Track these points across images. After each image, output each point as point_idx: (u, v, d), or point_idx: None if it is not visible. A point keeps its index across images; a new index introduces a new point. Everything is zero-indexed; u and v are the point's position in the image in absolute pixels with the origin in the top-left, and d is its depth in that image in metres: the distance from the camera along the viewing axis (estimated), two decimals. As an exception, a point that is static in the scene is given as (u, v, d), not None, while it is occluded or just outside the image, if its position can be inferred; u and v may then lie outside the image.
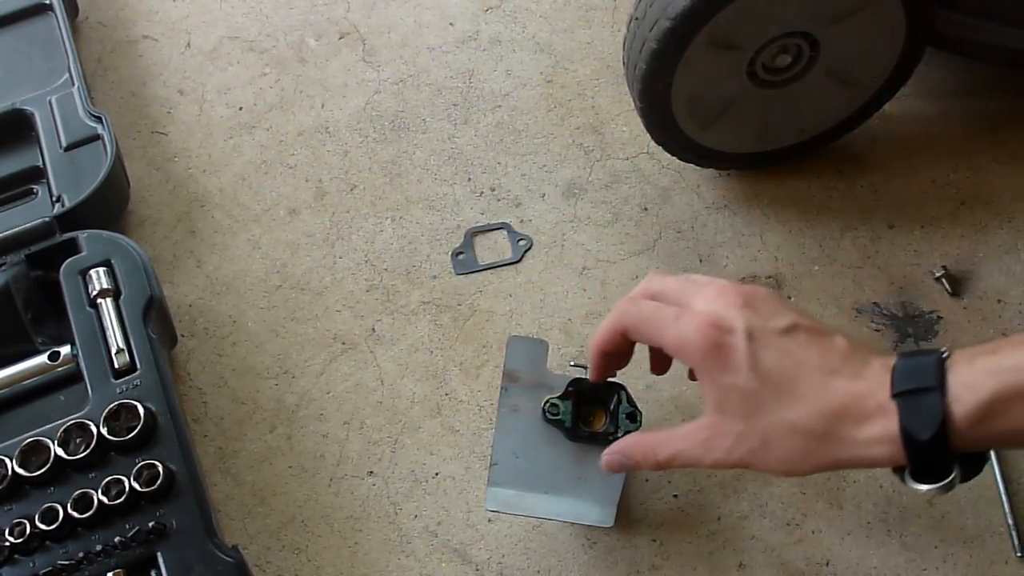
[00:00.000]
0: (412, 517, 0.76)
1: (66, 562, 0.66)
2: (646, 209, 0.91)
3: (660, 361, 0.67)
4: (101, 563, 0.66)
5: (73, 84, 0.95)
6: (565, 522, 0.72)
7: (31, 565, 0.66)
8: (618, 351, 0.63)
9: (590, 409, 0.71)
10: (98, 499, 0.67)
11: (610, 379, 0.69)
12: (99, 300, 0.77)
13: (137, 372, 0.73)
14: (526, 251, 0.89)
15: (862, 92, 0.85)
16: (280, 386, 0.83)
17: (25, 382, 0.77)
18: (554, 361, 0.79)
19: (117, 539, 0.66)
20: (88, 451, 0.69)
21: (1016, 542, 0.70)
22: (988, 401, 0.48)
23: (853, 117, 0.87)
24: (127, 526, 0.67)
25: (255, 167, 0.97)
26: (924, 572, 0.70)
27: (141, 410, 0.70)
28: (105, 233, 0.82)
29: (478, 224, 0.91)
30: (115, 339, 0.75)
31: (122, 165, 0.92)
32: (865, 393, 0.51)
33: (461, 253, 0.89)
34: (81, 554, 0.66)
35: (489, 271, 0.88)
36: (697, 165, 0.90)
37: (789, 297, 0.84)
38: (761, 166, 0.91)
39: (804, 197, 0.90)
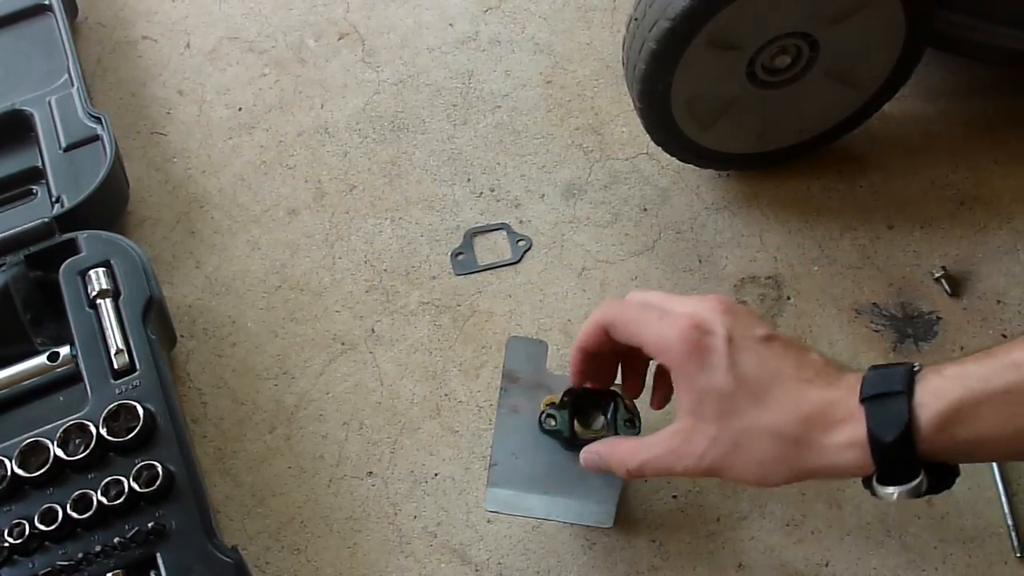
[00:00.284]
0: (411, 518, 0.76)
1: (65, 563, 0.66)
2: (645, 210, 0.91)
3: (634, 379, 0.68)
4: (100, 564, 0.66)
5: (72, 85, 0.95)
6: (564, 523, 0.72)
7: (30, 566, 0.66)
8: (598, 351, 0.63)
9: (589, 412, 0.71)
10: (97, 500, 0.67)
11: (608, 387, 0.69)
12: (98, 301, 0.77)
13: (136, 373, 0.73)
14: (525, 252, 0.89)
15: (862, 92, 0.85)
16: (279, 387, 0.83)
17: (24, 383, 0.76)
18: (554, 362, 0.79)
19: (116, 540, 0.66)
20: (87, 452, 0.69)
21: (1015, 543, 0.70)
22: (953, 407, 0.49)
23: (853, 117, 0.87)
24: (126, 527, 0.67)
25: (254, 168, 0.97)
26: (924, 572, 0.70)
27: (140, 411, 0.70)
28: (104, 234, 0.82)
29: (477, 225, 0.91)
30: (114, 340, 0.75)
31: (121, 166, 0.92)
32: (836, 400, 0.52)
33: (460, 254, 0.89)
34: (80, 555, 0.66)
35: (488, 272, 0.88)
36: (696, 166, 0.90)
37: (788, 298, 0.84)
38: (761, 167, 0.91)
39: (804, 198, 0.90)
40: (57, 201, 0.87)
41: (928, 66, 0.92)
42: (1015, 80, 0.94)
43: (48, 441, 0.69)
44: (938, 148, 0.92)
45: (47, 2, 1.03)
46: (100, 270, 0.79)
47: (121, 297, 0.77)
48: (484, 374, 0.82)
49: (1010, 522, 0.71)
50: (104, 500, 0.67)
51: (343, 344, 0.85)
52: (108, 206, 0.90)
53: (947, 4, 0.79)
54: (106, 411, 0.70)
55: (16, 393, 0.77)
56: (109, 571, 0.66)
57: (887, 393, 0.51)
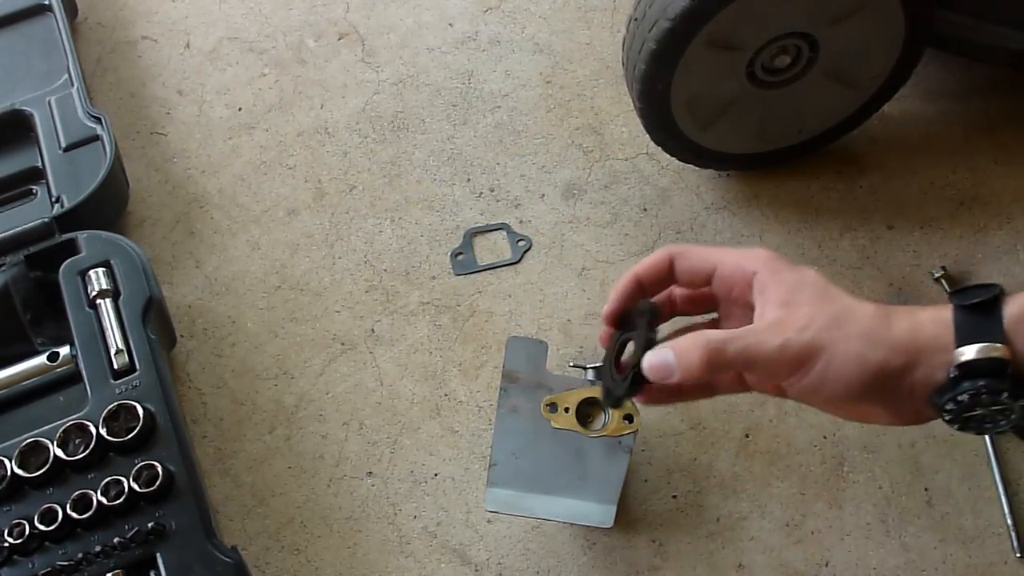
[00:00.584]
0: (411, 518, 0.76)
1: (65, 563, 0.66)
2: (645, 210, 0.91)
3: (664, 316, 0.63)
4: (100, 564, 0.66)
5: (72, 85, 0.95)
6: (564, 523, 0.72)
7: (30, 566, 0.66)
8: (652, 281, 0.60)
9: (590, 410, 0.71)
10: (97, 500, 0.67)
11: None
12: (98, 301, 0.77)
13: (136, 373, 0.73)
14: (525, 252, 0.89)
15: (861, 92, 0.85)
16: (279, 387, 0.83)
17: (24, 383, 0.77)
18: (553, 361, 0.79)
19: (116, 540, 0.66)
20: (87, 452, 0.69)
21: (1015, 542, 0.70)
22: None
23: (852, 117, 0.87)
24: (126, 527, 0.67)
25: (254, 168, 0.97)
26: (923, 572, 0.70)
27: (140, 411, 0.70)
28: (104, 234, 0.82)
29: (477, 225, 0.91)
30: (114, 340, 0.75)
31: (121, 166, 0.92)
32: (923, 308, 0.54)
33: (460, 254, 0.89)
34: (80, 555, 0.66)
35: (488, 272, 0.88)
36: (696, 166, 0.90)
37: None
38: (761, 167, 0.91)
39: (803, 198, 0.90)
40: (57, 201, 0.87)
41: (928, 66, 0.92)
42: (1015, 80, 0.94)
43: (48, 441, 0.69)
44: (938, 148, 0.92)
45: (47, 2, 1.03)
46: (100, 270, 0.79)
47: (121, 297, 0.77)
48: (484, 374, 0.82)
49: (1010, 522, 0.71)
50: (104, 500, 0.67)
51: (343, 344, 0.85)
52: (108, 206, 0.90)
53: (947, 4, 0.79)
54: (106, 411, 0.70)
55: (16, 393, 0.77)
56: (109, 571, 0.66)
57: (975, 287, 0.52)
